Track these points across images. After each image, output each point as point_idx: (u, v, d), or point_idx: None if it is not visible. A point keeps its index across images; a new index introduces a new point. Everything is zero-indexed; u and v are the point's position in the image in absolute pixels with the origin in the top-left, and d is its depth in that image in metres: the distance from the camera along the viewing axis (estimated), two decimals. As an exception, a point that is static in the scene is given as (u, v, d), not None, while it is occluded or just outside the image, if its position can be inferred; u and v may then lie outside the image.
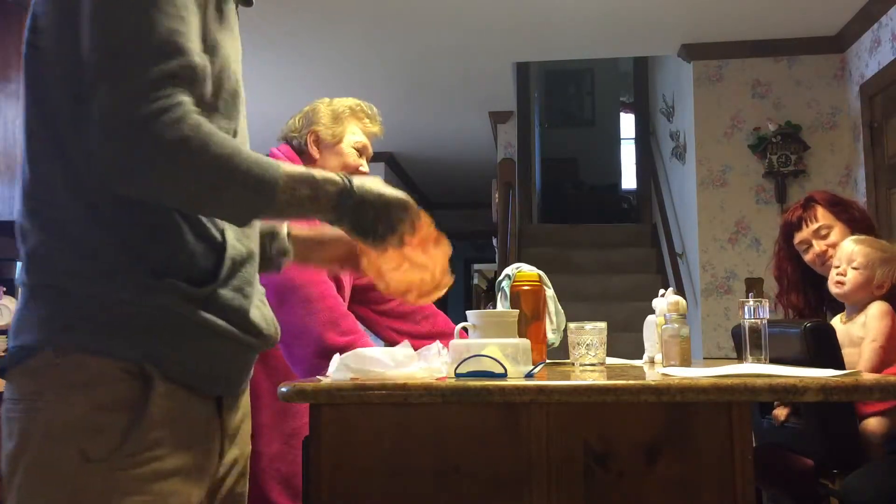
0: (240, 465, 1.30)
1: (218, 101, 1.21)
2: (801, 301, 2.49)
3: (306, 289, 1.87)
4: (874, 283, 2.22)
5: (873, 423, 2.08)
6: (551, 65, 9.05)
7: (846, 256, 2.26)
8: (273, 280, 1.89)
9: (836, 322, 2.31)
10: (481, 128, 6.92)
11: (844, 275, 2.25)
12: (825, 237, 2.41)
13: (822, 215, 2.43)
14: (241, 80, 1.34)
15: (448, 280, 1.48)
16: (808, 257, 2.46)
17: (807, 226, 2.44)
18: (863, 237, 2.31)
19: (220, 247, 1.17)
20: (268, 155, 2.17)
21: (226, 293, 1.17)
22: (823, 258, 2.41)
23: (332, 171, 2.17)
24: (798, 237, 2.47)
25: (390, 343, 2.26)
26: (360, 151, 2.23)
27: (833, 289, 2.29)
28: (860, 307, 2.25)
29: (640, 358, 2.21)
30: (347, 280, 2.24)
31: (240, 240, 1.22)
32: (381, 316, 2.33)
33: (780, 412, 2.23)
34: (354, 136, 2.22)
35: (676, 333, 1.82)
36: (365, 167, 2.25)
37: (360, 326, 1.96)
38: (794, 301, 2.51)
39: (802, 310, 2.48)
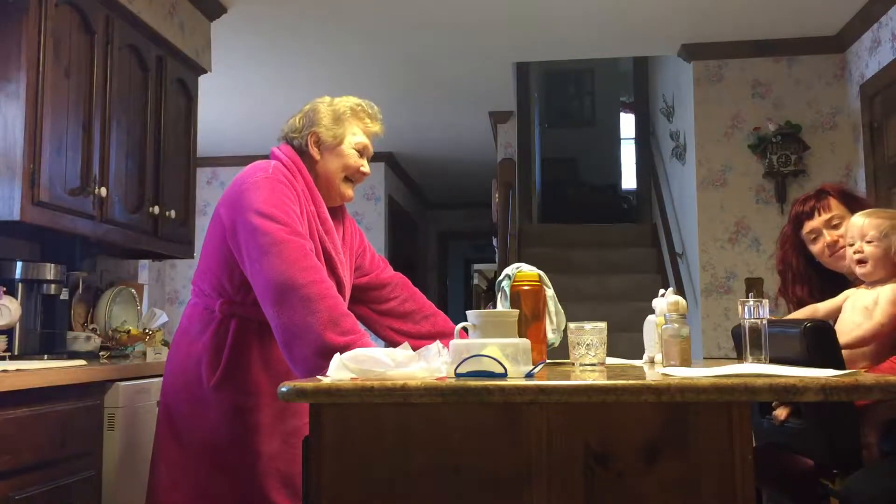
0: None
1: None
2: (805, 293, 2.47)
3: (307, 288, 1.87)
4: (892, 251, 2.20)
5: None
6: (551, 65, 9.05)
7: (858, 232, 2.24)
8: (273, 279, 1.89)
9: (853, 289, 2.30)
10: (481, 128, 6.92)
11: (862, 252, 2.22)
12: (837, 227, 2.40)
13: (836, 206, 2.43)
14: None
15: None
16: (815, 247, 2.44)
17: (819, 215, 2.43)
18: (869, 210, 2.30)
19: None
20: (269, 155, 2.19)
21: None
22: (834, 248, 2.40)
23: (334, 172, 2.19)
24: (808, 226, 2.45)
25: (390, 343, 2.26)
26: (361, 152, 2.23)
27: (857, 269, 2.25)
28: (881, 282, 2.22)
29: (640, 358, 2.21)
30: (348, 279, 2.23)
31: None
32: (381, 316, 2.33)
33: (781, 412, 2.23)
34: (355, 136, 2.21)
35: (676, 333, 1.82)
36: (366, 167, 2.24)
37: (361, 326, 1.95)
38: (800, 293, 2.49)
39: (808, 302, 2.47)
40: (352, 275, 2.29)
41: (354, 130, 2.21)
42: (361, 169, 2.22)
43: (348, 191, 2.22)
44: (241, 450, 2.02)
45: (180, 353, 2.12)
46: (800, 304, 2.47)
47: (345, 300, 2.20)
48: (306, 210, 2.09)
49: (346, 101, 2.23)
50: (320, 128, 2.18)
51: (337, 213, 2.27)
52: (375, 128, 2.26)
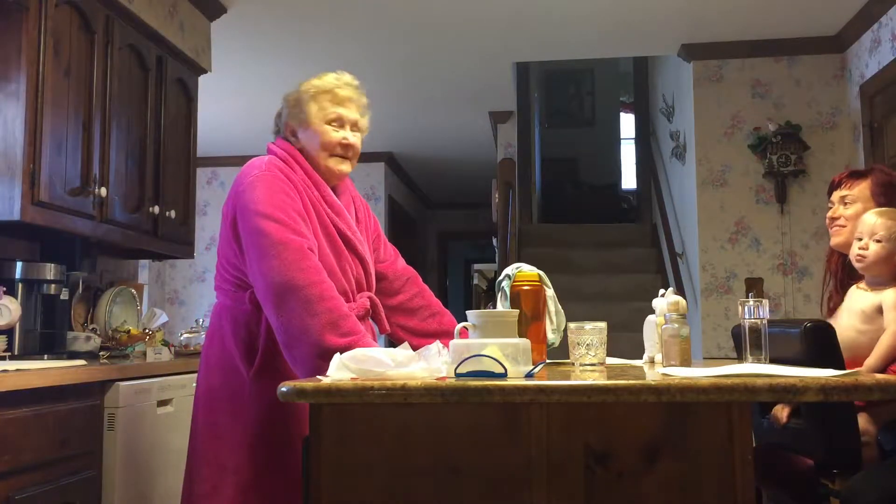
0: None
1: None
2: (837, 265, 2.49)
3: (306, 290, 1.87)
4: None
5: (862, 421, 2.08)
6: (551, 65, 9.04)
7: (868, 229, 2.25)
8: (273, 281, 1.88)
9: (853, 288, 2.31)
10: (481, 128, 6.92)
11: (866, 248, 2.23)
12: (846, 205, 2.42)
13: (861, 188, 2.42)
14: None
15: None
16: (827, 216, 2.49)
17: (840, 189, 2.45)
18: (886, 209, 2.29)
19: None
20: (266, 151, 2.18)
21: None
22: (832, 223, 2.44)
23: (316, 152, 2.13)
24: (833, 194, 2.49)
25: (394, 340, 2.25)
26: (339, 123, 2.16)
27: (855, 263, 2.28)
28: (881, 282, 2.23)
29: (640, 358, 2.21)
30: (370, 258, 2.20)
31: None
32: (388, 311, 2.29)
33: (781, 412, 2.22)
34: (323, 111, 2.15)
35: (676, 333, 1.82)
36: (348, 137, 2.16)
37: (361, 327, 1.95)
38: (832, 266, 2.52)
39: (836, 272, 2.49)
40: (372, 254, 2.27)
41: (321, 105, 2.16)
42: (342, 141, 2.15)
43: (339, 166, 2.16)
44: (286, 438, 2.00)
45: (214, 353, 2.10)
46: (832, 275, 2.51)
47: (370, 278, 2.19)
48: (310, 198, 2.08)
49: (310, 82, 2.19)
50: (290, 118, 2.18)
51: (346, 195, 2.25)
52: (346, 92, 2.18)
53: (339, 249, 2.09)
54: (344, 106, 2.17)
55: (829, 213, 2.47)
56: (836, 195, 2.47)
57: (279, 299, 1.88)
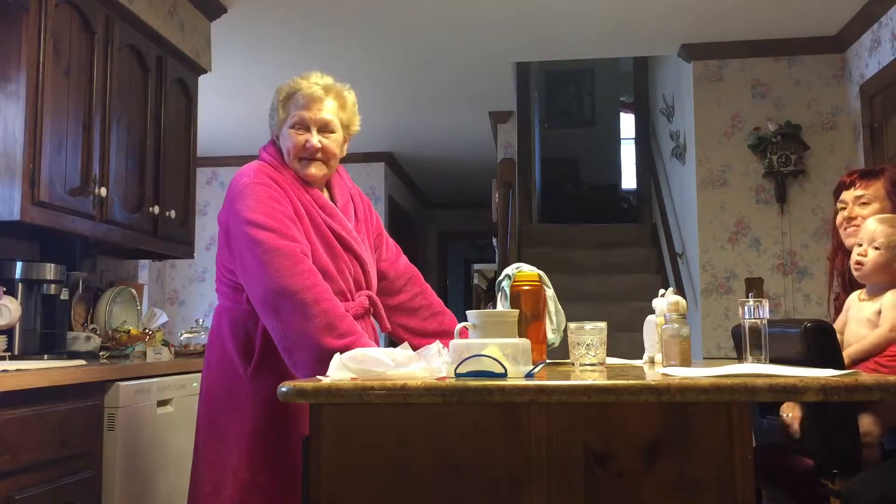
0: None
1: None
2: (844, 264, 2.46)
3: (301, 294, 1.87)
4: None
5: (866, 423, 2.07)
6: (551, 65, 9.04)
7: (868, 236, 2.23)
8: (267, 289, 1.89)
9: (854, 297, 2.30)
10: (481, 128, 6.92)
11: (865, 255, 2.22)
12: (863, 206, 2.39)
13: (876, 187, 2.40)
14: None
15: None
16: (838, 219, 2.46)
17: (854, 188, 2.43)
18: (887, 216, 2.27)
19: None
20: (258, 156, 2.19)
21: None
22: (849, 223, 2.41)
23: (287, 156, 2.12)
24: (842, 195, 2.46)
25: (395, 339, 2.25)
26: (302, 126, 2.12)
27: (853, 270, 2.26)
28: (881, 289, 2.22)
29: (640, 358, 2.21)
30: (369, 256, 2.20)
31: None
32: (389, 311, 2.29)
33: (793, 420, 2.18)
34: (287, 114, 2.15)
35: (676, 333, 1.82)
36: (312, 140, 2.11)
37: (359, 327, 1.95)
38: (839, 265, 2.50)
39: (843, 272, 2.47)
40: (373, 252, 2.26)
41: (287, 108, 2.15)
42: (306, 144, 2.11)
43: (304, 170, 2.12)
44: (285, 437, 2.01)
45: (214, 353, 2.12)
46: (839, 274, 2.49)
47: (369, 277, 2.18)
48: (301, 200, 2.08)
49: (282, 85, 2.19)
50: (270, 120, 2.20)
51: (343, 194, 2.24)
52: (310, 92, 2.13)
53: (334, 251, 2.09)
54: (308, 108, 2.13)
55: (845, 214, 2.42)
56: (848, 195, 2.43)
57: (275, 306, 1.88)
